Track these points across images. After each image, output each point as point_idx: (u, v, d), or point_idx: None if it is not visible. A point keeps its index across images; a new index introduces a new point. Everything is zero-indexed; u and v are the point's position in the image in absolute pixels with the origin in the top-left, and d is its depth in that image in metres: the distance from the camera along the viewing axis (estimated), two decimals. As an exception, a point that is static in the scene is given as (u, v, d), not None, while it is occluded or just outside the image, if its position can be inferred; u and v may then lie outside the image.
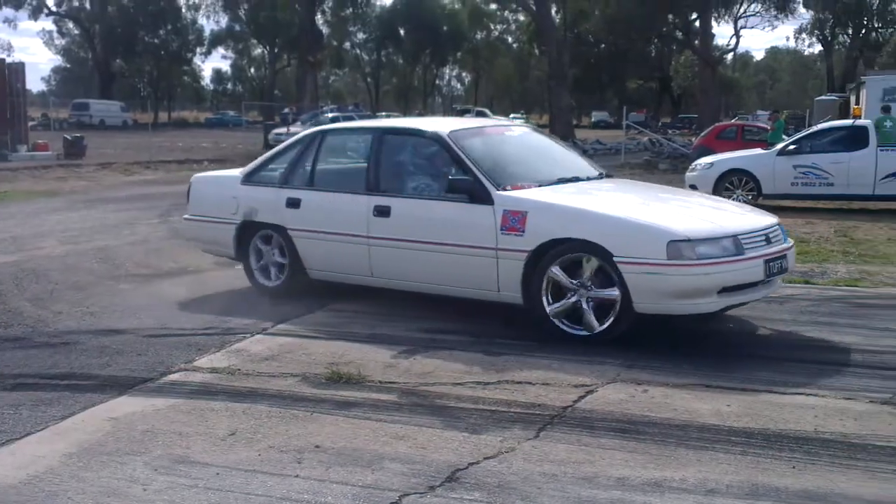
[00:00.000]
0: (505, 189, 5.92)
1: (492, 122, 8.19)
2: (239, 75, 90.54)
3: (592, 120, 71.64)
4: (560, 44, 41.54)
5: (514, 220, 5.73)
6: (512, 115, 56.19)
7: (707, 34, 46.88)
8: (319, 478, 3.62)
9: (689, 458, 3.81)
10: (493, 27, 78.93)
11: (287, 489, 3.52)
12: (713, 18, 49.95)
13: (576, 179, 6.50)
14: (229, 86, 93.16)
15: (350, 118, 32.72)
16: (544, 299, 5.66)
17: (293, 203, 6.77)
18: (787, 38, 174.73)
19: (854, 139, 14.13)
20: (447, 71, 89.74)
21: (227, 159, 25.79)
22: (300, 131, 33.21)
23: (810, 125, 21.18)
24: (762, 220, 6.00)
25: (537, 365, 5.16)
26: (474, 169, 6.02)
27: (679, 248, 5.26)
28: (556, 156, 7.09)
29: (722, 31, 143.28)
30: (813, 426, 4.16)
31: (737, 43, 63.26)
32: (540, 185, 6.14)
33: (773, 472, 3.66)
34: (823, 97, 35.90)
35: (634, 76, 68.59)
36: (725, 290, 5.39)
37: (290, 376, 5.00)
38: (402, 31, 73.71)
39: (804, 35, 67.91)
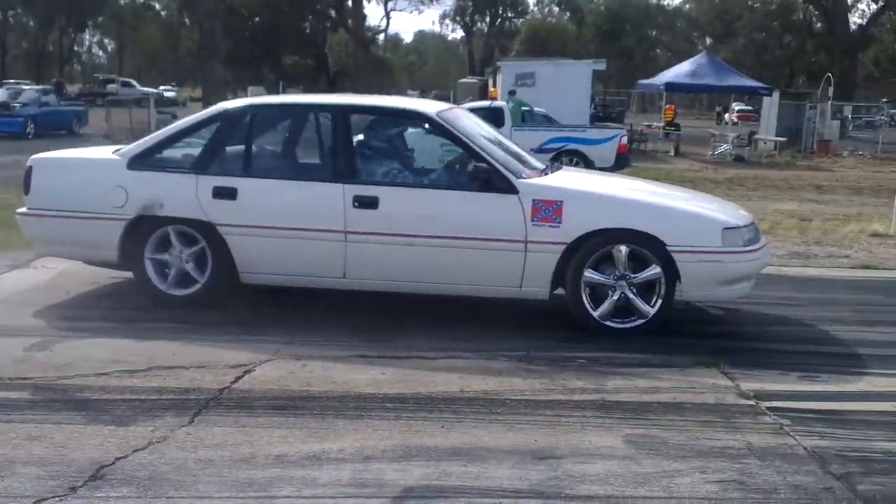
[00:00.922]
0: (521, 177, 5.48)
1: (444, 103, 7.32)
2: None
3: (249, 96, 70.36)
4: (212, 14, 40.20)
5: (548, 211, 5.29)
6: (162, 88, 53.47)
7: (359, 14, 48.19)
8: (-68, 494, 3.15)
9: (347, 429, 3.86)
10: (138, -8, 74.23)
11: None
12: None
13: (555, 168, 6.23)
14: None
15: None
16: (587, 303, 5.35)
17: (224, 193, 5.55)
18: (433, 23, 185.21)
19: (492, 119, 15.30)
20: (87, 37, 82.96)
21: None
22: None
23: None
24: None
25: (191, 348, 4.93)
26: (485, 155, 5.48)
27: (731, 235, 5.32)
28: (508, 140, 6.60)
29: (374, 13, 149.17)
30: (459, 387, 4.43)
31: (387, 24, 65.78)
32: (543, 173, 5.81)
33: (424, 433, 3.83)
34: (465, 79, 38.54)
35: (290, 52, 68.51)
36: (753, 276, 5.60)
37: None
38: (32, -10, 66.64)
39: (448, 21, 72.48)
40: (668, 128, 25.48)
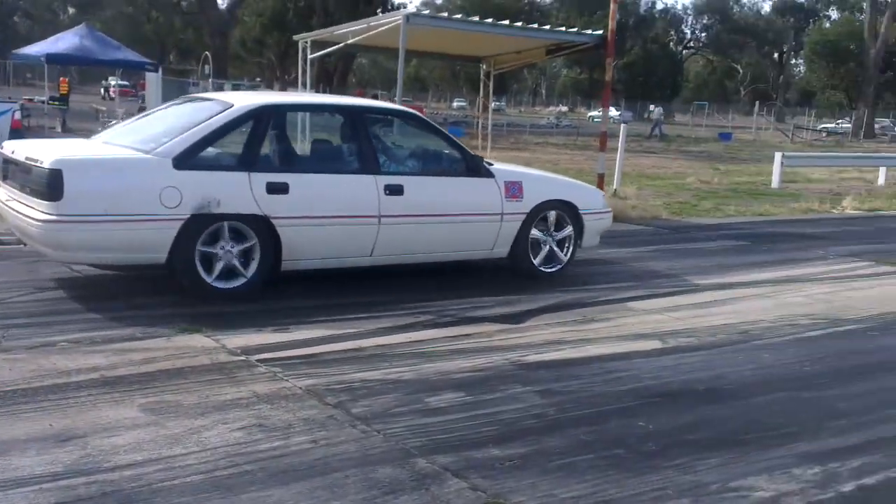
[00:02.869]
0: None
1: None
2: None
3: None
4: None
5: (515, 189, 6.99)
6: None
7: None
8: None
9: None
10: None
11: None
12: None
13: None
14: None
15: None
16: (531, 255, 7.19)
17: (278, 188, 5.95)
18: None
19: None
20: None
21: None
22: None
23: None
24: None
25: None
26: (464, 147, 7.08)
27: (604, 199, 8.00)
28: None
29: None
30: (-63, 388, 4.00)
31: None
32: (488, 163, 7.28)
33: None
34: None
35: None
36: None
37: None
38: None
39: None
40: (53, 102, 23.97)
